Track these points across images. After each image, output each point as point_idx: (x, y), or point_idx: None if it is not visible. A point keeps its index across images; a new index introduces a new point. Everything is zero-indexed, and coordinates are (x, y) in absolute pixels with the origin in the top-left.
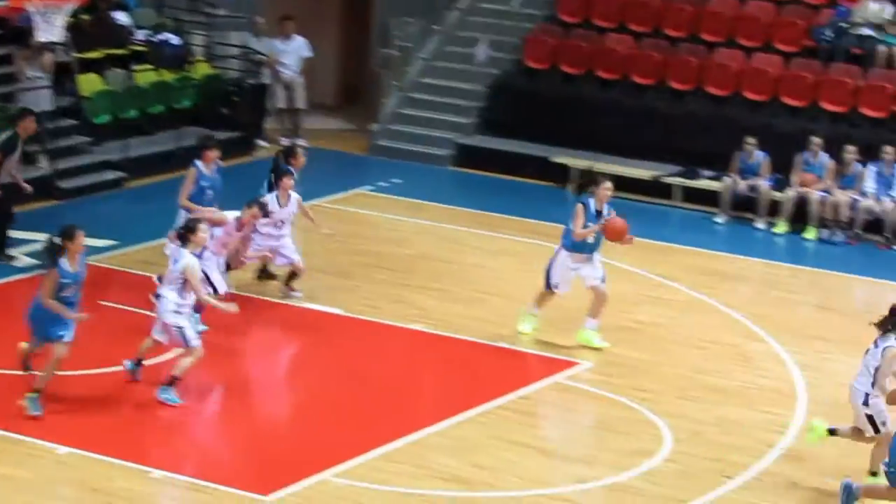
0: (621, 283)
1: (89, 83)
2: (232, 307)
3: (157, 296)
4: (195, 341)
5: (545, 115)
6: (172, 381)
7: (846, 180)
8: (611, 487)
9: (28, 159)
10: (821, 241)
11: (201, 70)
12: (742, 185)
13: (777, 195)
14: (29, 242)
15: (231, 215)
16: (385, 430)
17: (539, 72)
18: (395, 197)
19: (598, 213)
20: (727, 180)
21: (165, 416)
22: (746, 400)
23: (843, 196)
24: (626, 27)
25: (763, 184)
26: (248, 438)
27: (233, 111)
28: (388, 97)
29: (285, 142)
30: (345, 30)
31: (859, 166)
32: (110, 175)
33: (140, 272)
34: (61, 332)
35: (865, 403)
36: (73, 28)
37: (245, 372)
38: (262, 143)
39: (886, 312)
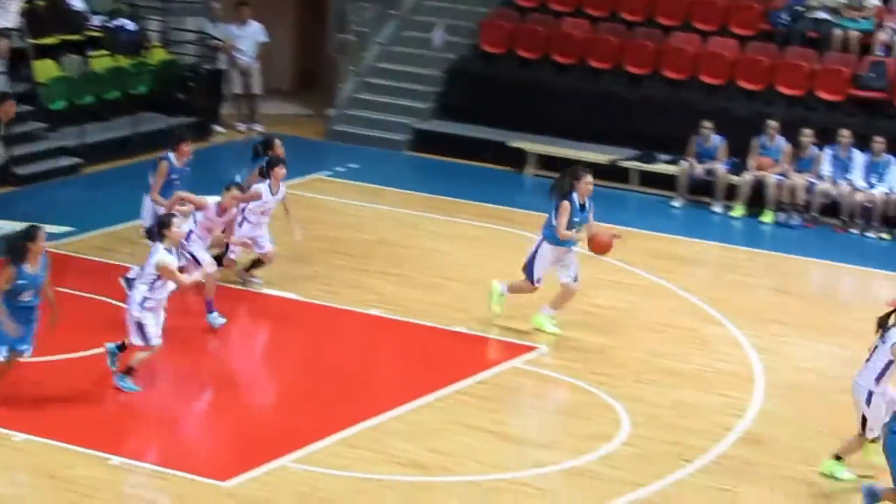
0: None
1: (45, 69)
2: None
3: (128, 280)
4: (155, 339)
5: (502, 100)
6: (129, 370)
7: (803, 164)
8: (569, 471)
9: None
10: (777, 224)
11: (157, 56)
12: (699, 168)
13: (734, 179)
14: None
15: (211, 200)
16: (343, 416)
17: (495, 56)
18: (353, 182)
19: (582, 207)
20: (684, 164)
21: (124, 403)
22: (704, 383)
23: (799, 179)
24: (583, 11)
25: (720, 167)
26: (207, 425)
27: (189, 97)
28: (344, 82)
29: (241, 127)
30: (301, 15)
31: (816, 150)
32: (66, 161)
33: (97, 258)
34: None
35: (868, 402)
36: (29, 14)
37: (204, 358)
38: (218, 128)
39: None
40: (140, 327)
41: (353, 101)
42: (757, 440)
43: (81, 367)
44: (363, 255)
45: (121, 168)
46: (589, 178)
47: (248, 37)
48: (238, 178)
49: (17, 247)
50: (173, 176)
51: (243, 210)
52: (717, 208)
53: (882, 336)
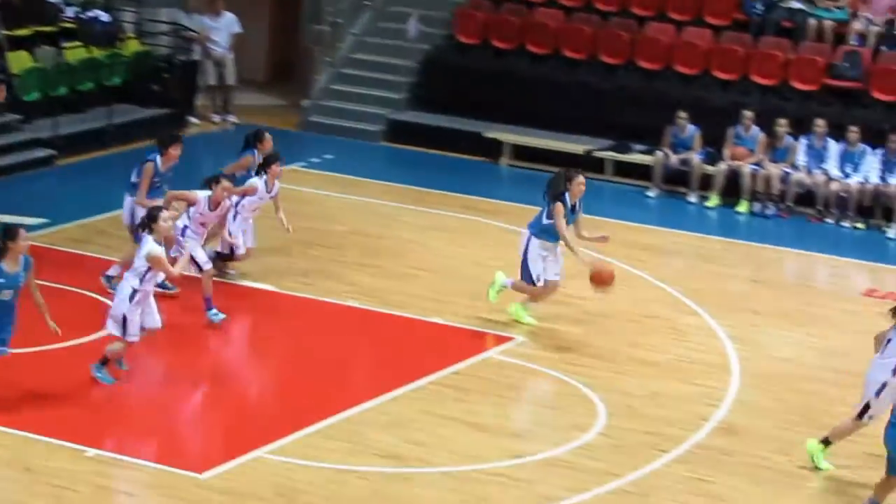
0: None
1: (19, 60)
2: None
3: (108, 277)
4: (134, 336)
5: (477, 90)
6: (105, 361)
7: (778, 153)
8: (545, 462)
9: None
10: (753, 214)
11: (131, 47)
12: (674, 158)
13: (709, 169)
14: None
15: (202, 194)
16: (320, 407)
17: (470, 47)
18: (328, 173)
19: (573, 208)
20: (659, 154)
21: (99, 395)
22: (680, 373)
23: (774, 169)
24: (557, 2)
25: (695, 157)
26: (183, 417)
27: (163, 88)
28: (319, 73)
29: (216, 118)
30: (275, 6)
31: (791, 139)
32: (41, 152)
33: (71, 250)
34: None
35: (878, 394)
36: (2, 5)
37: (179, 351)
38: (193, 119)
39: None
40: (123, 321)
41: (327, 91)
42: (733, 430)
43: (56, 359)
44: (339, 246)
45: (95, 159)
46: (581, 180)
47: (223, 28)
48: (223, 171)
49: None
50: (155, 179)
51: (237, 204)
52: (693, 198)
53: None
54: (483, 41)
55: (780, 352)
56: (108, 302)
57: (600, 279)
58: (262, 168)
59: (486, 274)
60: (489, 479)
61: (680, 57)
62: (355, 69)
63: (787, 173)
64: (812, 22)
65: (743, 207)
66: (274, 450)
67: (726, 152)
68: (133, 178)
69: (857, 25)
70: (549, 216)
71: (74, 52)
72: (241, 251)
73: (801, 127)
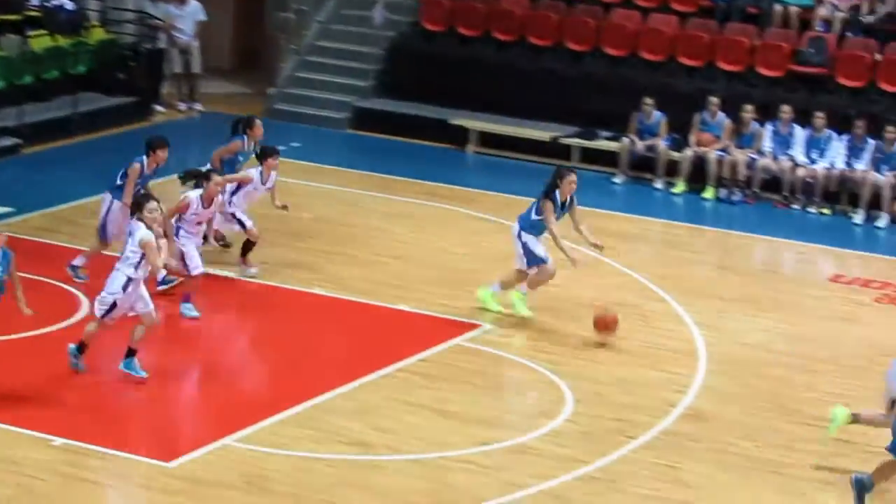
0: None
1: None
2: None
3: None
4: (111, 322)
5: (443, 78)
6: (83, 347)
7: (744, 139)
8: (513, 449)
9: None
10: (719, 200)
11: (96, 35)
12: (640, 145)
13: (675, 155)
14: None
15: (193, 195)
16: (286, 395)
17: (436, 34)
18: (294, 161)
19: (563, 204)
20: (625, 141)
21: (66, 385)
22: (647, 360)
23: (740, 155)
24: None
25: (661, 144)
26: (150, 405)
27: (129, 76)
28: (285, 61)
29: (182, 107)
30: None
31: (757, 125)
32: (6, 141)
33: (37, 239)
34: None
35: None
36: None
37: (146, 340)
38: (159, 108)
39: (786, 272)
40: (112, 306)
41: (293, 79)
42: (700, 416)
43: (23, 348)
44: (305, 233)
45: (61, 148)
46: (572, 178)
47: (188, 16)
48: (211, 158)
49: None
50: (138, 181)
51: (232, 194)
52: (659, 185)
53: None
54: (449, 28)
55: (746, 338)
56: (75, 291)
57: (604, 324)
58: (259, 160)
59: (453, 261)
60: (457, 466)
61: (646, 43)
62: (321, 57)
63: (753, 159)
64: (777, 8)
65: (709, 193)
66: (241, 438)
67: (692, 138)
68: (118, 181)
69: (822, 11)
70: (538, 212)
71: (39, 41)
72: (249, 224)
73: (766, 113)
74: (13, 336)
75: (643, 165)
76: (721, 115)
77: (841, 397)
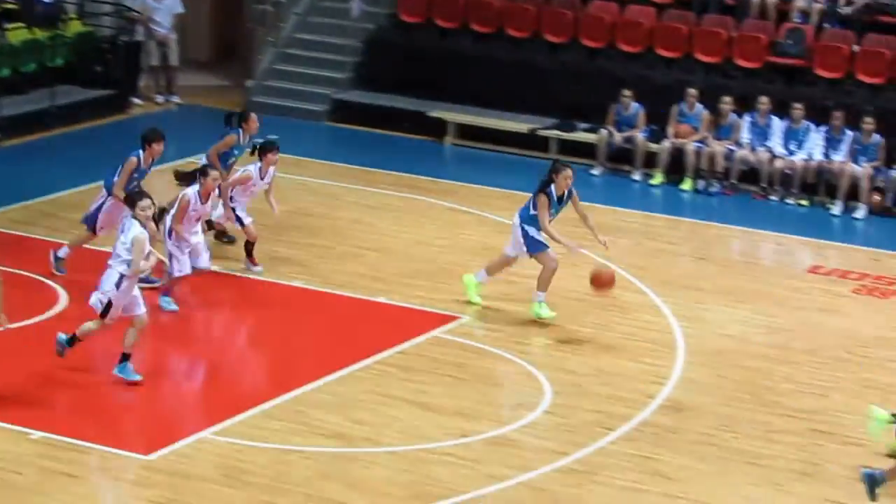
0: (498, 236)
1: None
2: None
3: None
4: (110, 321)
5: (421, 70)
6: (74, 339)
7: (722, 131)
8: (492, 441)
9: None
10: (697, 191)
11: (74, 28)
12: (618, 137)
13: (653, 147)
14: None
15: (191, 191)
16: (265, 388)
17: (414, 26)
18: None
19: (560, 199)
20: (603, 132)
21: (43, 378)
22: (626, 351)
23: (718, 147)
24: None
25: (639, 135)
26: (129, 398)
27: (106, 69)
28: (262, 53)
29: (160, 99)
30: None
31: (735, 117)
32: None
33: (14, 232)
34: None
35: None
36: None
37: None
38: (136, 100)
39: (764, 263)
40: (109, 304)
41: (271, 71)
42: (679, 407)
43: (0, 342)
44: (284, 226)
45: (38, 141)
46: (567, 174)
47: (165, 8)
48: (207, 154)
49: None
50: (135, 175)
51: (231, 190)
52: (637, 176)
53: None
54: (427, 20)
55: (725, 329)
56: (53, 284)
57: (600, 282)
58: (259, 155)
59: (431, 253)
60: (436, 458)
61: (623, 35)
62: (299, 49)
63: (731, 151)
64: None
65: (687, 185)
66: (219, 431)
67: (670, 130)
68: (115, 176)
69: (799, 2)
70: (535, 207)
71: (16, 34)
72: (248, 222)
73: (744, 104)
74: None
75: (621, 157)
76: (699, 107)
77: (819, 388)
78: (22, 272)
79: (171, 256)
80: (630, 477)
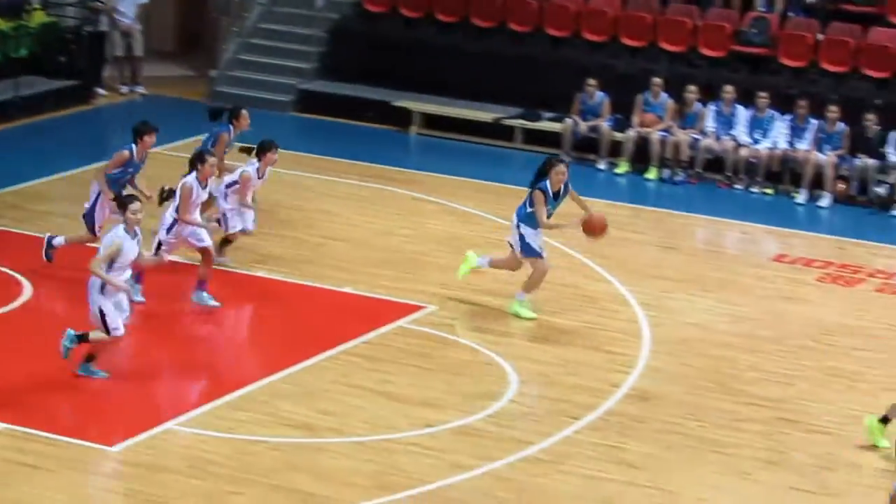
0: (464, 226)
1: None
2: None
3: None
4: (117, 331)
5: (386, 59)
6: (91, 357)
7: (687, 120)
8: (458, 430)
9: None
10: (662, 180)
11: (38, 18)
12: (583, 126)
13: (618, 136)
14: None
15: (190, 179)
16: (230, 378)
17: (378, 15)
18: (237, 143)
19: (556, 195)
20: (568, 122)
21: (6, 369)
22: (591, 340)
23: (683, 136)
24: None
25: (604, 125)
26: (94, 390)
27: (71, 59)
28: (227, 43)
29: (124, 90)
30: None
31: (699, 106)
32: None
33: None
34: None
35: None
36: None
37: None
38: (101, 91)
39: (729, 252)
40: (102, 315)
41: (236, 62)
42: (644, 396)
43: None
44: None
45: (2, 132)
46: (560, 169)
47: None
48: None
49: None
50: (129, 169)
51: (228, 187)
52: (602, 165)
53: None
54: (391, 9)
55: (690, 318)
56: (18, 276)
57: (591, 227)
58: (258, 154)
59: (397, 243)
60: (402, 448)
61: (588, 24)
62: (263, 39)
63: (696, 139)
64: None
65: (652, 174)
66: (185, 422)
67: (635, 119)
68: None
69: None
70: (531, 204)
71: None
72: (234, 229)
73: (709, 93)
74: None
75: (586, 146)
76: (664, 96)
77: (784, 377)
78: None
79: (159, 245)
80: (596, 466)
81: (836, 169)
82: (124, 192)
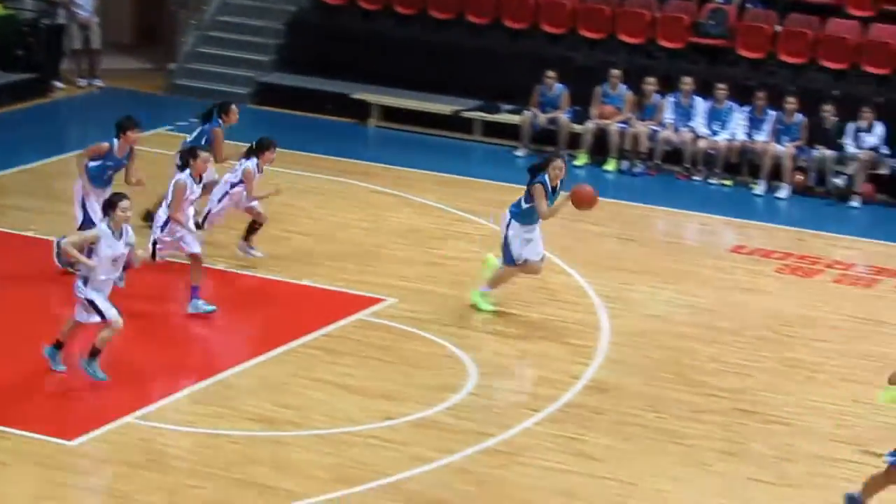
0: (424, 218)
1: None
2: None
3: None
4: (110, 312)
5: (344, 52)
6: (94, 353)
7: (645, 111)
8: (418, 423)
9: None
10: (621, 172)
11: None
12: (542, 118)
13: (577, 127)
14: None
15: (183, 176)
16: (190, 372)
17: (336, 8)
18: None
19: (555, 189)
20: (527, 114)
21: None
22: (551, 332)
23: (642, 127)
24: None
25: (563, 116)
26: (52, 384)
27: (28, 52)
28: (185, 36)
29: (82, 83)
30: None
31: (658, 97)
32: None
33: None
34: None
35: None
36: None
37: (47, 319)
38: (58, 84)
39: (688, 243)
40: (91, 304)
41: (194, 54)
42: (603, 388)
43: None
44: None
45: None
46: (558, 164)
47: None
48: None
49: None
50: (108, 163)
51: (231, 186)
52: None
53: None
54: (349, 2)
55: (649, 309)
56: None
57: (580, 199)
58: (255, 152)
59: (357, 236)
60: (361, 441)
61: (547, 16)
62: (221, 32)
63: (654, 131)
64: None
65: (611, 166)
66: (144, 415)
67: (594, 111)
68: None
69: None
70: (528, 199)
71: None
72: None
73: (668, 85)
74: None
75: (545, 138)
76: (622, 88)
77: (743, 368)
78: None
79: (155, 243)
80: (555, 458)
81: (794, 160)
82: (111, 191)
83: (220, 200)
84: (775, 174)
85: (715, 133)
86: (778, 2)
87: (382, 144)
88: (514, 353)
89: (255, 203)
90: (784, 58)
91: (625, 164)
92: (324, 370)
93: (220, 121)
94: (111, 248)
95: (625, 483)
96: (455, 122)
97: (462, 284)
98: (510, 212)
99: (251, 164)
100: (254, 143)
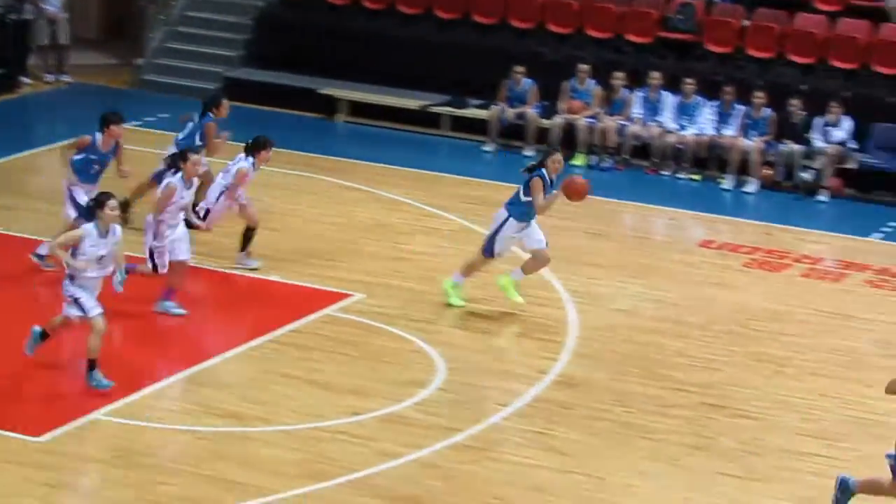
0: (392, 213)
1: None
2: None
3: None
4: (93, 311)
5: (312, 47)
6: (92, 366)
7: (613, 106)
8: (386, 418)
9: None
10: (589, 167)
11: None
12: (510, 112)
13: (545, 122)
14: None
15: (175, 179)
16: (158, 368)
17: (304, 3)
18: (164, 132)
19: (552, 183)
20: (495, 109)
21: None
22: (519, 327)
23: (610, 122)
24: None
25: (531, 111)
26: (20, 380)
27: None
28: (153, 31)
29: (49, 78)
30: None
31: (626, 92)
32: None
33: None
34: None
35: None
36: None
37: (15, 315)
38: (25, 79)
39: (656, 238)
40: (75, 301)
41: (162, 49)
42: (572, 383)
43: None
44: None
45: None
46: (557, 158)
47: None
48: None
49: None
50: (93, 156)
51: (227, 187)
52: (529, 152)
53: None
54: None
55: (617, 304)
56: None
57: (573, 191)
58: (251, 151)
59: (325, 231)
60: (330, 436)
61: (515, 11)
62: (189, 27)
63: (622, 126)
64: None
65: (579, 160)
66: (112, 411)
67: (562, 106)
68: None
69: None
70: (526, 193)
71: None
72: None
73: (636, 80)
74: None
75: (513, 133)
76: (590, 82)
77: (711, 362)
78: None
79: (151, 253)
80: (524, 453)
81: (762, 155)
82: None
83: (217, 199)
84: (743, 169)
85: (683, 128)
86: None
87: (350, 139)
88: (481, 347)
89: (245, 200)
90: (752, 52)
91: (593, 159)
92: (292, 366)
93: (212, 114)
94: (95, 247)
95: (593, 477)
96: (423, 118)
97: (430, 280)
98: (507, 209)
99: (246, 163)
100: (249, 141)
